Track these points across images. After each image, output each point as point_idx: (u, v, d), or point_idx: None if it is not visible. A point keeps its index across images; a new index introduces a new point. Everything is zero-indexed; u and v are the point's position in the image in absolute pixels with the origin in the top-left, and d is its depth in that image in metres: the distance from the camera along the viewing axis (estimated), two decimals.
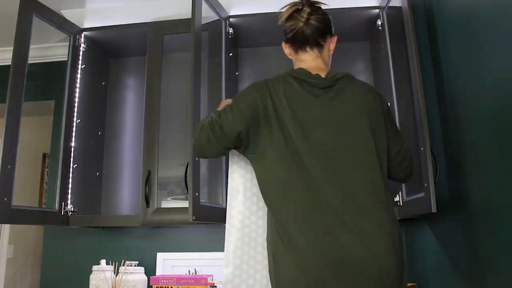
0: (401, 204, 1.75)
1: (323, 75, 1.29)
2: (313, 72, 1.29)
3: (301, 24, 1.30)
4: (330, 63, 1.39)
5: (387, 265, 1.12)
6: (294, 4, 1.33)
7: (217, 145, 1.26)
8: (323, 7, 1.35)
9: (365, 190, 1.18)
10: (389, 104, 1.39)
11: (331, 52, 1.38)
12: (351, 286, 1.11)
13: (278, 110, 1.23)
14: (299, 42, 1.33)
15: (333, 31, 1.37)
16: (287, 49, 1.39)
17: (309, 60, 1.34)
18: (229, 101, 1.39)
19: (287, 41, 1.37)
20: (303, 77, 1.27)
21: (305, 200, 1.17)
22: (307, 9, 1.30)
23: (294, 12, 1.32)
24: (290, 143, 1.20)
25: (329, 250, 1.12)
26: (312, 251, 1.12)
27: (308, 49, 1.33)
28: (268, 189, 1.24)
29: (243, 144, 1.27)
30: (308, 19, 1.30)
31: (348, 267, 1.11)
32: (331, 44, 1.37)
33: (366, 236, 1.13)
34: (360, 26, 2.13)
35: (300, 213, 1.17)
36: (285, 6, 1.34)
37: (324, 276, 1.11)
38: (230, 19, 2.09)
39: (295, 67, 1.36)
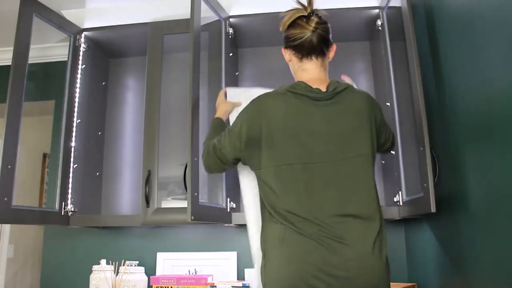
0: (401, 204, 1.75)
1: (323, 88, 1.32)
2: (314, 85, 1.31)
3: (309, 33, 1.31)
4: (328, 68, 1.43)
5: (373, 270, 1.20)
6: (298, 10, 1.33)
7: (220, 165, 1.42)
8: (321, 6, 1.37)
9: (358, 200, 1.25)
10: (382, 108, 1.44)
11: (330, 60, 1.42)
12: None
13: (275, 129, 1.28)
14: (306, 50, 1.34)
15: (332, 39, 1.39)
16: (288, 55, 1.40)
17: (313, 69, 1.36)
18: (221, 98, 1.60)
19: (290, 48, 1.37)
20: (303, 92, 1.30)
21: (300, 207, 1.23)
22: (315, 19, 1.32)
23: (300, 20, 1.32)
24: (287, 157, 1.26)
25: (315, 256, 1.18)
26: (299, 254, 1.19)
27: (313, 58, 1.35)
28: (268, 197, 1.30)
29: (244, 162, 1.39)
30: (316, 28, 1.31)
31: (334, 272, 1.17)
32: (331, 52, 1.40)
33: (355, 245, 1.20)
34: (360, 26, 2.13)
35: (295, 218, 1.23)
36: (288, 11, 1.34)
37: (307, 274, 1.17)
38: (230, 19, 2.09)
39: (296, 76, 1.39)
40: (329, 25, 1.36)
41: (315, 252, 1.19)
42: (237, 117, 1.38)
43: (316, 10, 1.34)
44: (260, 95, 1.34)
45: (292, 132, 1.27)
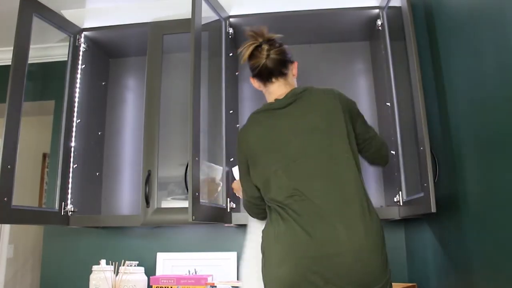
0: (401, 204, 1.75)
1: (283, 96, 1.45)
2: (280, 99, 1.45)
3: (263, 60, 1.44)
4: (296, 84, 1.54)
5: (370, 263, 1.24)
6: (251, 43, 1.46)
7: (259, 204, 1.48)
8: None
9: (342, 188, 1.31)
10: (354, 101, 1.49)
11: (295, 76, 1.53)
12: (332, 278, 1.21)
13: (253, 150, 1.42)
14: (265, 76, 1.48)
15: (291, 58, 1.50)
16: (256, 83, 1.53)
17: (276, 90, 1.48)
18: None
19: (254, 77, 1.51)
20: (265, 108, 1.46)
21: (295, 203, 1.31)
22: (265, 46, 1.45)
23: (254, 51, 1.46)
24: (270, 168, 1.37)
25: (311, 247, 1.24)
26: (295, 247, 1.25)
27: (274, 80, 1.48)
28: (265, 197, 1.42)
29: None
30: (268, 55, 1.44)
31: (331, 262, 1.22)
32: (294, 69, 1.52)
33: (349, 234, 1.24)
34: (360, 26, 2.13)
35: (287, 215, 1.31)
36: (243, 46, 1.48)
37: (305, 270, 1.22)
38: (230, 19, 2.09)
39: (266, 98, 1.53)
40: (284, 46, 1.47)
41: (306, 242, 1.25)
42: (238, 163, 1.52)
43: (268, 37, 1.45)
44: (241, 129, 1.49)
45: (267, 146, 1.40)
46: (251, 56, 1.47)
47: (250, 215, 1.56)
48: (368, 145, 1.49)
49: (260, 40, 1.45)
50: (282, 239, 1.28)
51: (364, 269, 1.22)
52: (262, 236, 1.37)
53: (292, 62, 1.51)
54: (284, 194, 1.32)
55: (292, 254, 1.24)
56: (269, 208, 1.40)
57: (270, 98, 1.50)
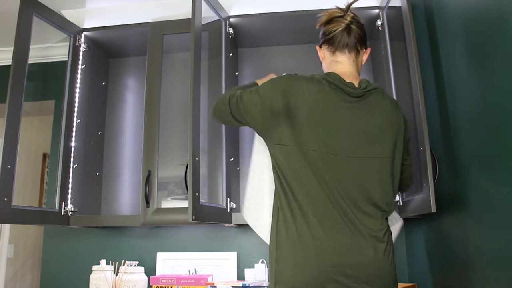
0: (401, 204, 1.75)
1: (356, 84, 1.30)
2: (347, 80, 1.30)
3: (343, 26, 1.33)
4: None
5: (384, 270, 1.23)
6: (335, 10, 1.36)
7: (227, 115, 1.38)
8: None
9: (374, 199, 1.24)
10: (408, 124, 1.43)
11: (363, 63, 1.41)
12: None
13: (302, 111, 1.24)
14: (340, 43, 1.34)
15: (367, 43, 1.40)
16: (322, 53, 1.41)
17: (346, 63, 1.35)
18: (273, 75, 1.49)
19: (325, 42, 1.38)
20: (338, 83, 1.27)
21: (320, 198, 1.21)
22: (351, 13, 1.34)
23: (336, 18, 1.35)
24: (309, 143, 1.23)
25: (333, 250, 1.18)
26: (318, 249, 1.18)
27: (347, 52, 1.35)
28: (287, 177, 1.25)
29: (261, 131, 1.34)
30: (351, 22, 1.33)
31: (349, 268, 1.17)
32: (365, 55, 1.40)
33: (367, 243, 1.20)
34: None
35: (315, 210, 1.21)
36: (325, 12, 1.38)
37: (324, 274, 1.16)
38: (230, 19, 2.09)
39: (327, 69, 1.38)
40: (365, 28, 1.37)
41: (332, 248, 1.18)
42: (268, 82, 1.34)
43: (354, 13, 1.36)
44: (296, 75, 1.32)
45: (319, 120, 1.25)
46: (331, 21, 1.35)
47: (215, 105, 1.42)
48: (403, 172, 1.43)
49: (346, 10, 1.35)
50: (305, 242, 1.19)
51: (382, 279, 1.22)
52: (276, 231, 1.25)
53: (366, 46, 1.40)
54: (313, 187, 1.21)
55: (313, 259, 1.17)
56: (285, 201, 1.24)
57: (336, 68, 1.35)
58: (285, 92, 1.27)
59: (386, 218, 1.31)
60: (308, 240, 1.18)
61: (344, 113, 1.26)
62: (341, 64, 1.35)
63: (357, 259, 1.18)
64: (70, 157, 2.10)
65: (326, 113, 1.25)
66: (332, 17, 1.35)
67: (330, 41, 1.36)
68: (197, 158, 1.61)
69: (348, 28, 1.33)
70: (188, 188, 1.57)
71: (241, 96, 1.34)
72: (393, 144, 1.30)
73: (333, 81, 1.27)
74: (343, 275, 1.16)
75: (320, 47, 1.41)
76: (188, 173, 1.59)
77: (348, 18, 1.33)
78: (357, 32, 1.34)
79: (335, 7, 1.37)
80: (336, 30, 1.34)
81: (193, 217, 1.53)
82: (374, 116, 1.29)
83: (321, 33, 1.40)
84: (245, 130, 2.16)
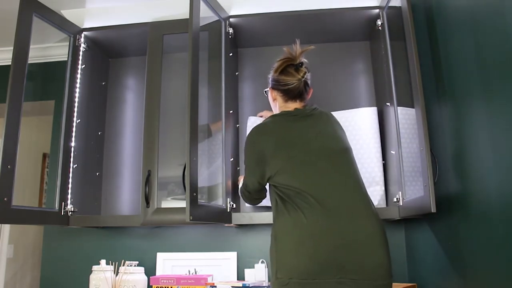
0: (401, 204, 1.75)
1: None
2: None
3: (296, 81, 1.52)
4: None
5: (381, 258, 1.33)
6: (289, 59, 1.53)
7: (257, 197, 1.63)
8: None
9: (356, 187, 1.43)
10: None
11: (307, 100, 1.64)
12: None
13: (276, 144, 1.46)
14: (292, 95, 1.55)
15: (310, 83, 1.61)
16: (274, 95, 1.61)
17: (295, 106, 1.57)
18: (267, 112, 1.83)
19: (277, 90, 1.58)
20: (288, 113, 1.53)
21: (318, 190, 1.38)
22: (303, 69, 1.53)
23: (290, 68, 1.53)
24: (294, 156, 1.44)
25: (334, 237, 1.31)
26: (315, 237, 1.32)
27: (298, 100, 1.57)
28: (283, 188, 1.44)
29: (269, 175, 1.51)
30: (303, 77, 1.52)
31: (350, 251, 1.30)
32: (309, 95, 1.61)
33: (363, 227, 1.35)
34: (360, 26, 2.13)
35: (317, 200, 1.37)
36: (280, 59, 1.55)
37: (323, 259, 1.29)
38: (230, 19, 2.09)
39: (278, 111, 1.59)
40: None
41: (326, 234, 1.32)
42: (245, 151, 1.57)
43: (303, 61, 1.53)
44: (255, 126, 1.55)
45: (292, 141, 1.46)
46: (285, 71, 1.53)
47: (245, 201, 1.68)
48: None
49: (298, 61, 1.52)
50: (302, 228, 1.32)
51: (378, 261, 1.31)
52: (277, 224, 1.41)
53: (310, 87, 1.60)
54: (307, 184, 1.38)
55: (311, 243, 1.29)
56: (284, 198, 1.41)
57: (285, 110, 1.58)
58: (257, 148, 1.50)
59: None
60: (307, 228, 1.32)
61: (305, 128, 1.49)
62: (289, 109, 1.57)
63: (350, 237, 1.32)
64: (70, 157, 2.10)
65: (292, 134, 1.47)
66: (286, 65, 1.53)
67: (284, 92, 1.56)
68: (194, 158, 1.61)
69: (300, 82, 1.53)
70: (186, 188, 1.57)
71: (247, 188, 1.57)
72: (346, 142, 1.54)
73: (284, 113, 1.54)
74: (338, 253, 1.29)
75: (273, 89, 1.60)
76: (185, 173, 1.58)
77: (301, 74, 1.51)
78: (306, 83, 1.55)
79: (287, 51, 1.55)
80: (291, 84, 1.53)
81: (191, 217, 1.53)
82: (325, 124, 1.54)
83: (274, 79, 1.57)
84: (245, 130, 2.15)
